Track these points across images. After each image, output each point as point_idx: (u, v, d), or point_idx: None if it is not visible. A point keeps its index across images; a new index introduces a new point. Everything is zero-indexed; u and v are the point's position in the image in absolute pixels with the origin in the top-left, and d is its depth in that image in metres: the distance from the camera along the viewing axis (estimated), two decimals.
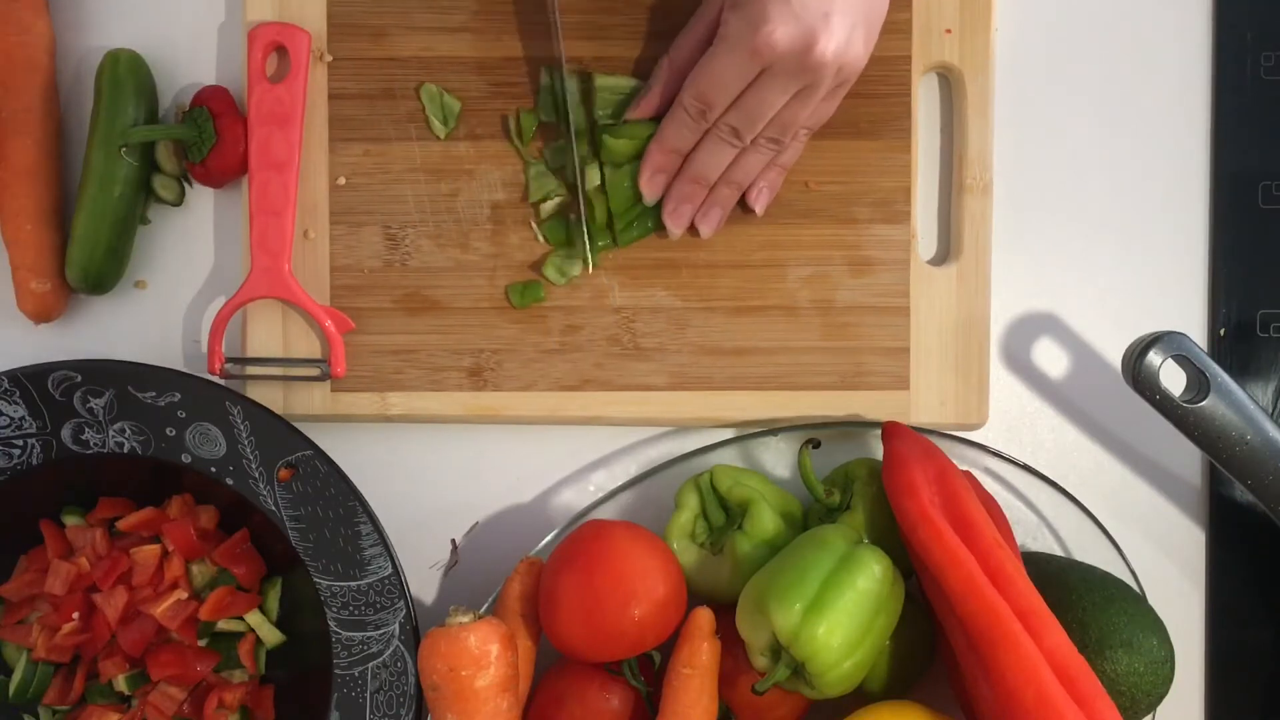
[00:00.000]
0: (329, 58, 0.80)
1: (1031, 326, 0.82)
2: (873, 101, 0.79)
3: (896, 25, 0.78)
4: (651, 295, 0.80)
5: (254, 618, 0.79)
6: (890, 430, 0.76)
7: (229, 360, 0.79)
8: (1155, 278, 0.82)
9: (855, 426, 0.80)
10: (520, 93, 0.79)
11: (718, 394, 0.80)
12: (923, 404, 0.80)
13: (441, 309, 0.80)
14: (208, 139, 0.78)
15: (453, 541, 0.82)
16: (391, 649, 0.76)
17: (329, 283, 0.80)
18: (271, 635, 0.79)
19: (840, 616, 0.69)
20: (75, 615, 0.77)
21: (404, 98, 0.79)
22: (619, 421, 0.80)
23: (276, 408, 0.79)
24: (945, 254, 0.81)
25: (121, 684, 0.77)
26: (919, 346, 0.80)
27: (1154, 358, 0.75)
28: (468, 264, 0.80)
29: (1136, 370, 0.75)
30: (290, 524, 0.76)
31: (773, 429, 0.80)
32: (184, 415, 0.76)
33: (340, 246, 0.80)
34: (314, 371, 0.79)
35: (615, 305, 0.80)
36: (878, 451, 0.79)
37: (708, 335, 0.80)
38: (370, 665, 0.76)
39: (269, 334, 0.80)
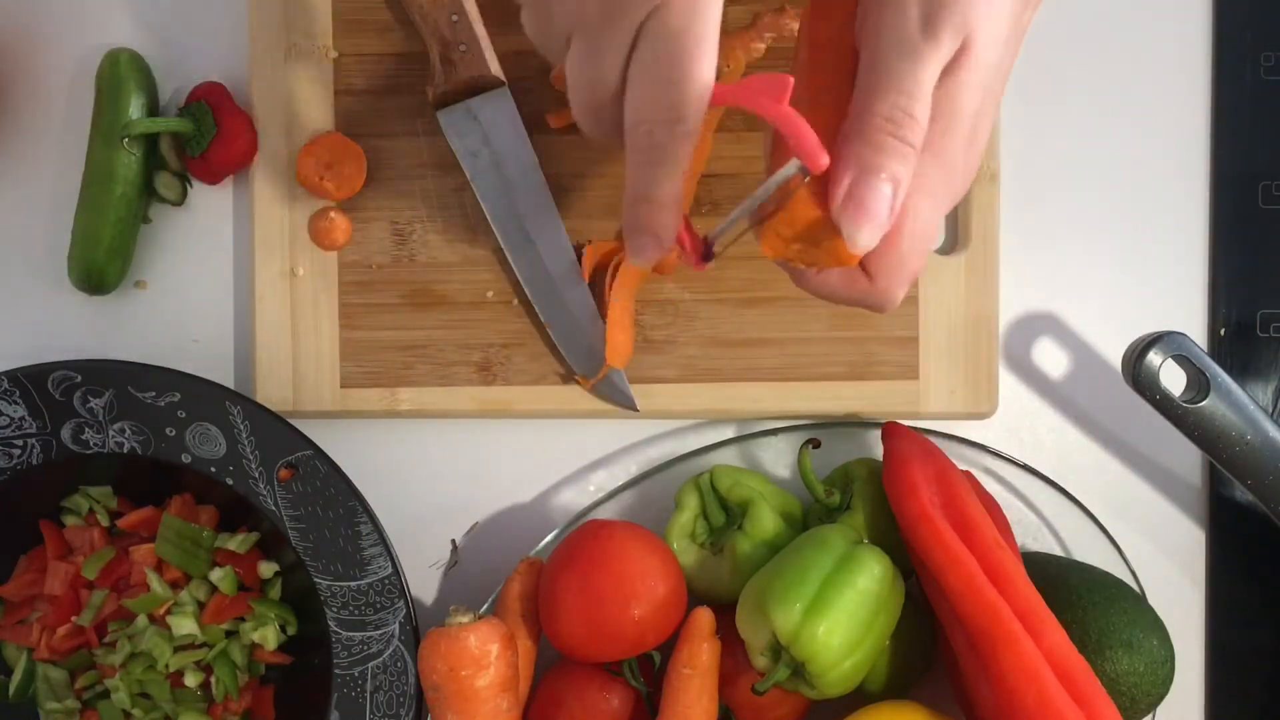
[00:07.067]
0: (334, 54, 0.79)
1: (1032, 326, 0.82)
2: None
3: None
4: (659, 288, 0.80)
5: (253, 618, 0.79)
6: (890, 430, 0.76)
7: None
8: (1155, 278, 0.82)
9: (855, 426, 0.80)
10: (527, 85, 0.79)
11: (728, 385, 0.80)
12: (932, 393, 0.80)
13: (450, 304, 0.80)
14: (207, 131, 0.78)
15: (453, 541, 0.82)
16: (391, 649, 0.76)
17: (336, 280, 0.80)
18: (271, 636, 0.79)
19: (840, 616, 0.69)
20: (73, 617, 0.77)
21: (410, 93, 0.79)
22: (629, 415, 0.80)
23: (286, 405, 0.79)
24: (953, 243, 0.81)
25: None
26: (928, 336, 0.80)
27: (1154, 358, 0.75)
28: (476, 259, 0.80)
29: (1136, 370, 0.75)
30: (290, 524, 0.76)
31: (773, 429, 0.80)
32: (184, 415, 0.76)
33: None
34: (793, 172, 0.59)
35: None
36: (878, 451, 0.79)
37: (716, 327, 0.80)
38: (370, 665, 0.76)
39: (279, 325, 0.80)
